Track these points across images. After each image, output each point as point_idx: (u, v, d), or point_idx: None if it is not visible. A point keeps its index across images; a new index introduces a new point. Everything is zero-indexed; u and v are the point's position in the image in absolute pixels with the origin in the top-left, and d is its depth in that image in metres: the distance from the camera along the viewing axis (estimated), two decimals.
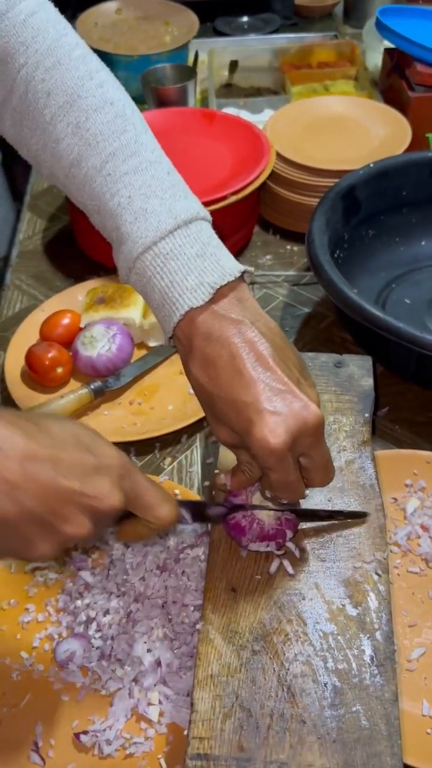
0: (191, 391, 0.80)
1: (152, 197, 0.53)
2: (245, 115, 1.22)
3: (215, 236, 0.54)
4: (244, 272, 0.52)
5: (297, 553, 0.57)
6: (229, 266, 0.52)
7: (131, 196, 0.53)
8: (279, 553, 0.57)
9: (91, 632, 0.60)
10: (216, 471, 0.57)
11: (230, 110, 1.22)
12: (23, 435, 0.41)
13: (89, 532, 0.44)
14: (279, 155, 0.99)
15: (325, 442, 0.52)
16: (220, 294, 0.51)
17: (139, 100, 0.59)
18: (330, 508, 0.61)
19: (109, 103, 0.56)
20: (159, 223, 0.52)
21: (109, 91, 0.56)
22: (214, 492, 0.63)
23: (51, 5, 0.59)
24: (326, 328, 0.89)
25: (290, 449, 0.49)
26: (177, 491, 0.69)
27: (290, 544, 0.58)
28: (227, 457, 0.65)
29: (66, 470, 0.42)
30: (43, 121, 0.56)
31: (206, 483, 0.73)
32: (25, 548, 0.42)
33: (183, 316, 0.51)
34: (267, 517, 0.56)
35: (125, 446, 0.76)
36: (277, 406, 0.48)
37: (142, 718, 0.55)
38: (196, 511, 0.57)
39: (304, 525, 0.59)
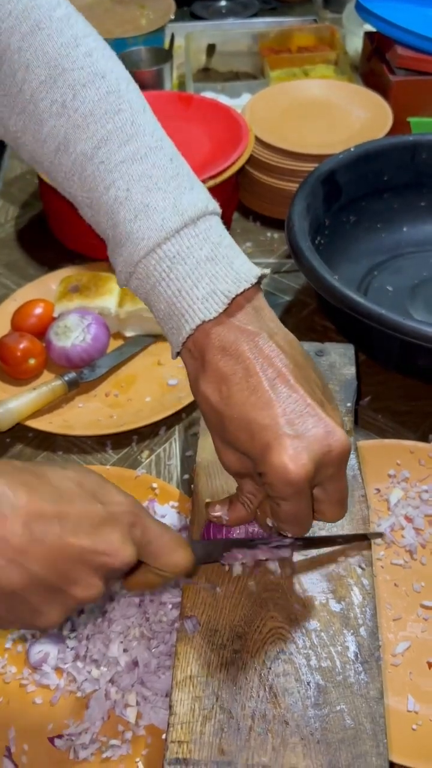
0: (170, 381, 0.79)
1: (154, 190, 0.46)
2: (223, 99, 1.19)
3: (227, 234, 0.47)
4: (260, 278, 0.46)
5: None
6: (244, 270, 0.45)
7: (129, 188, 0.46)
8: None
9: (65, 632, 0.58)
10: (207, 500, 0.53)
11: (208, 94, 1.19)
12: (26, 490, 0.37)
13: (100, 592, 0.41)
14: (258, 139, 0.97)
15: (345, 476, 0.46)
16: (235, 304, 0.45)
17: None
18: (328, 534, 0.57)
19: (100, 77, 0.47)
20: (164, 221, 0.45)
21: (99, 61, 0.48)
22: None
23: None
24: (307, 316, 0.88)
25: (311, 480, 0.43)
26: (155, 485, 0.67)
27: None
28: (205, 448, 0.63)
29: (74, 526, 0.39)
30: (22, 99, 0.48)
31: (185, 476, 0.71)
32: (32, 618, 0.39)
33: (194, 330, 0.45)
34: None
35: (101, 439, 0.74)
36: (299, 429, 0.42)
37: (119, 720, 0.54)
38: (207, 551, 0.53)
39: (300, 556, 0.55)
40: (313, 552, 0.56)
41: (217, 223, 0.47)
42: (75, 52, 0.48)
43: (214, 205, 0.48)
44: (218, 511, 0.50)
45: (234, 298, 0.44)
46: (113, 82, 0.48)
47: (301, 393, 0.43)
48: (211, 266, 0.45)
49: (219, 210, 0.48)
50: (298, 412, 0.43)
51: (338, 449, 0.43)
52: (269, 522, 0.49)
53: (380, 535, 0.61)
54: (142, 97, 0.50)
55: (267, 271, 0.48)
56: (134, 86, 0.50)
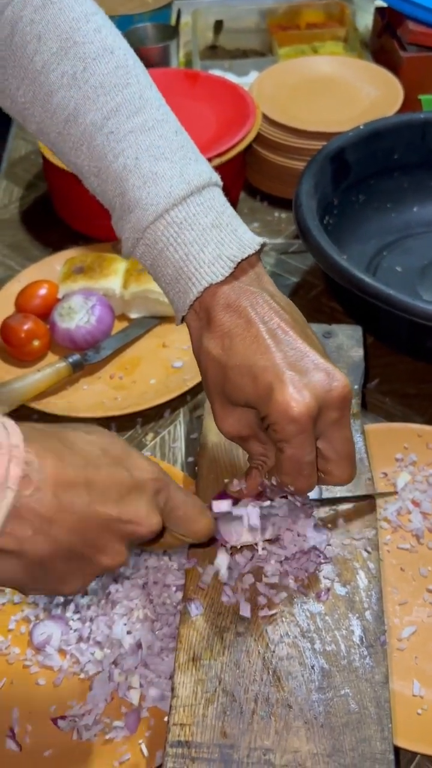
0: (175, 364, 0.78)
1: (161, 159, 0.47)
2: (231, 77, 1.17)
3: (228, 204, 0.49)
4: (262, 245, 0.48)
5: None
6: (248, 238, 0.47)
7: (138, 157, 0.47)
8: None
9: (68, 614, 0.58)
10: (225, 480, 0.53)
11: (215, 72, 1.17)
12: (53, 458, 0.36)
13: (125, 560, 0.40)
14: (265, 117, 0.95)
15: (350, 425, 0.47)
16: (240, 269, 0.47)
17: None
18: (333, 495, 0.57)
19: (110, 51, 0.49)
20: (171, 188, 0.46)
21: (108, 38, 0.50)
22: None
23: None
24: (315, 297, 0.86)
25: (314, 418, 0.44)
26: (169, 475, 0.66)
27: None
28: (210, 430, 0.63)
29: (101, 494, 0.38)
30: (33, 69, 0.49)
31: (190, 459, 0.70)
32: (56, 585, 0.39)
33: (201, 293, 0.46)
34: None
35: (106, 421, 0.74)
36: (299, 370, 0.44)
37: (123, 701, 0.53)
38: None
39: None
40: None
41: (219, 194, 0.49)
42: (86, 27, 0.49)
43: (217, 178, 0.50)
44: (236, 486, 0.51)
45: (238, 263, 0.46)
46: (122, 58, 0.50)
47: (300, 342, 0.45)
48: (216, 233, 0.47)
49: (221, 183, 0.50)
50: (298, 357, 0.45)
51: (339, 389, 0.44)
52: (274, 480, 0.49)
53: (391, 493, 0.59)
54: (147, 73, 0.52)
55: (267, 240, 0.48)
56: (140, 63, 0.51)
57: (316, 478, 0.47)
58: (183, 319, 0.49)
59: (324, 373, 0.45)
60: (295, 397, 0.43)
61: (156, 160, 0.47)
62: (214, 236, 0.46)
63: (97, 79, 0.48)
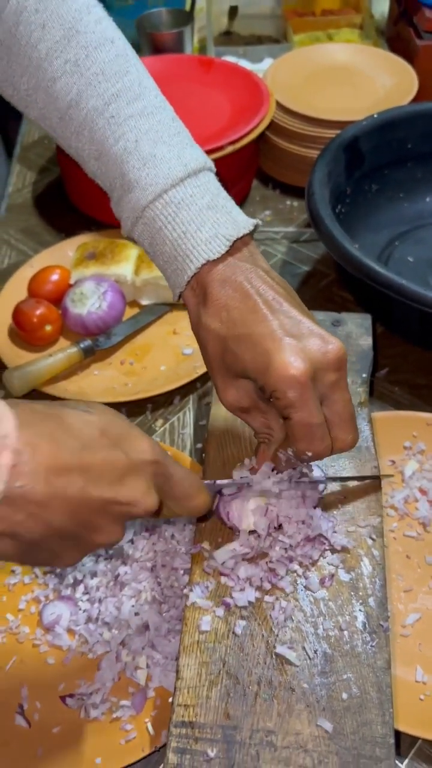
0: (185, 351, 0.79)
1: (160, 143, 0.50)
2: (245, 63, 1.16)
3: (222, 188, 0.51)
4: (255, 226, 0.50)
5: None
6: (242, 219, 0.50)
7: (138, 140, 0.50)
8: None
9: (78, 595, 0.58)
10: (238, 465, 0.54)
11: (229, 59, 1.16)
12: (48, 443, 0.37)
13: (120, 537, 0.42)
14: (279, 105, 0.95)
15: (348, 388, 0.48)
16: (234, 248, 0.49)
17: (135, 49, 0.55)
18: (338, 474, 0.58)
19: (110, 41, 0.52)
20: (169, 170, 0.49)
21: (108, 29, 0.53)
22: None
23: None
24: (326, 287, 0.86)
25: (312, 379, 0.45)
26: (168, 453, 0.67)
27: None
28: (218, 417, 0.63)
29: (96, 478, 0.39)
30: (37, 57, 0.52)
31: (198, 445, 0.71)
32: (51, 560, 0.40)
33: (198, 269, 0.48)
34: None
35: (116, 407, 0.73)
36: (294, 335, 0.46)
37: (130, 681, 0.54)
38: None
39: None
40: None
41: (213, 178, 0.52)
42: (87, 17, 0.52)
43: (211, 164, 0.52)
44: (248, 465, 0.53)
45: (233, 242, 0.48)
46: (121, 47, 0.52)
47: (295, 311, 0.48)
48: (212, 213, 0.49)
49: (214, 169, 0.52)
50: (293, 324, 0.47)
51: (334, 351, 0.46)
52: (289, 451, 0.50)
53: (391, 476, 0.60)
54: (143, 64, 0.54)
55: (260, 222, 0.50)
56: (136, 54, 0.54)
57: (330, 440, 0.48)
58: (180, 296, 0.51)
59: (319, 338, 0.47)
60: (293, 361, 0.45)
61: (155, 144, 0.50)
62: (210, 216, 0.49)
63: (99, 66, 0.51)
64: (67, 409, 0.40)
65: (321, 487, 0.56)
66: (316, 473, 0.56)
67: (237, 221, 0.49)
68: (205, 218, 0.48)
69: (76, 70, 0.51)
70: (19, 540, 0.37)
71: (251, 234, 0.50)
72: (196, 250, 0.48)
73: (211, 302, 0.48)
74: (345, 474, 0.59)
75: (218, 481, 0.53)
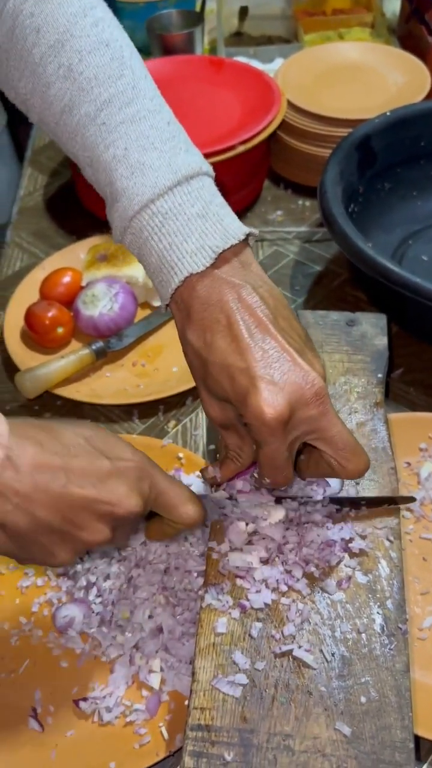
0: None
1: (150, 149, 0.48)
2: (255, 64, 1.16)
3: (218, 194, 0.50)
4: (248, 235, 0.48)
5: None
6: (233, 228, 0.48)
7: (127, 147, 0.48)
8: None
9: (91, 597, 0.58)
10: (203, 467, 0.54)
11: (240, 59, 1.16)
12: (34, 444, 0.40)
13: (108, 537, 0.43)
14: (290, 104, 0.94)
15: (336, 416, 0.47)
16: (222, 258, 0.47)
17: (145, 51, 0.55)
18: (353, 495, 0.57)
19: (105, 45, 0.51)
20: (157, 179, 0.47)
21: (105, 31, 0.51)
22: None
23: None
24: (339, 286, 0.86)
25: (286, 422, 0.45)
26: (181, 455, 0.67)
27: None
28: None
29: (78, 478, 0.41)
30: (31, 61, 0.51)
31: (211, 446, 0.70)
32: (45, 556, 0.43)
33: (182, 282, 0.47)
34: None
35: (128, 408, 0.74)
36: (274, 374, 0.45)
37: (143, 685, 0.54)
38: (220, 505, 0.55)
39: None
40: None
41: (209, 183, 0.50)
42: (83, 21, 0.51)
43: (208, 168, 0.50)
44: (211, 473, 0.53)
45: (221, 253, 0.47)
46: (117, 50, 0.51)
47: (279, 340, 0.46)
48: (201, 222, 0.47)
49: (212, 173, 0.50)
50: (275, 357, 0.45)
51: (311, 388, 0.45)
52: (255, 473, 0.51)
53: (411, 499, 0.58)
54: (144, 65, 0.53)
55: (256, 231, 0.49)
56: (137, 55, 0.53)
57: (291, 474, 0.49)
58: (167, 308, 0.50)
59: (298, 374, 0.45)
60: (269, 402, 0.44)
61: (144, 150, 0.48)
62: (198, 226, 0.47)
63: (92, 71, 0.50)
64: (59, 423, 0.44)
65: (337, 488, 0.56)
66: (334, 484, 0.56)
67: (227, 230, 0.47)
68: (193, 228, 0.47)
69: (69, 75, 0.50)
70: (8, 531, 0.41)
71: (246, 241, 0.49)
72: (181, 263, 0.47)
73: (195, 321, 0.47)
74: (362, 483, 0.57)
75: (211, 495, 0.54)
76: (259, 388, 0.44)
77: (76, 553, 0.43)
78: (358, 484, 0.57)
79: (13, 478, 0.39)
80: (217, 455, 0.62)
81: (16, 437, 0.40)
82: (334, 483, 0.55)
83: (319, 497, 0.54)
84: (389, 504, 0.56)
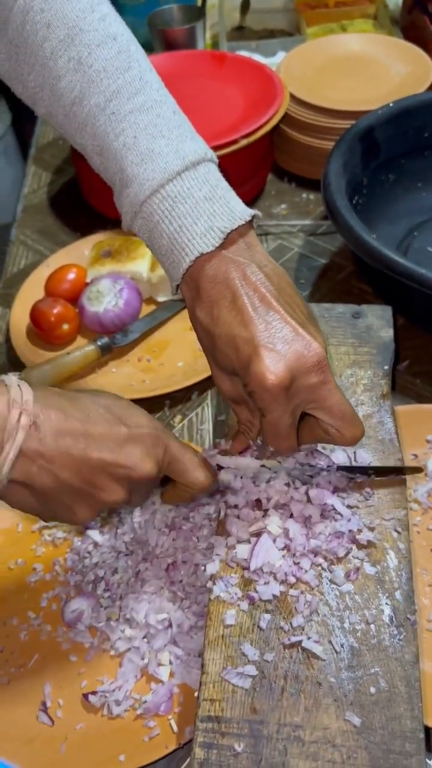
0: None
1: (158, 137, 0.50)
2: (258, 58, 1.15)
3: (223, 179, 0.52)
4: (253, 216, 0.50)
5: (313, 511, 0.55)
6: (239, 210, 0.50)
7: (137, 135, 0.50)
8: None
9: (99, 592, 0.58)
10: (211, 445, 0.56)
11: (242, 53, 1.16)
12: (57, 411, 0.44)
13: (125, 497, 0.46)
14: (293, 97, 0.94)
15: (335, 386, 0.49)
16: (229, 239, 0.49)
17: (147, 47, 0.55)
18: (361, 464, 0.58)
19: (112, 38, 0.52)
20: (167, 164, 0.49)
21: (111, 26, 0.53)
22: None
23: None
24: (344, 279, 0.85)
25: (287, 388, 0.47)
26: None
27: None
28: None
29: (98, 443, 0.44)
30: (42, 55, 0.53)
31: (217, 440, 0.70)
32: (67, 514, 0.46)
33: (193, 262, 0.49)
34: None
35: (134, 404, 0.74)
36: (276, 343, 0.47)
37: (152, 678, 0.54)
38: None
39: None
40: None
41: (214, 169, 0.52)
42: (91, 16, 0.53)
43: (212, 154, 0.52)
44: (224, 446, 0.55)
45: (229, 234, 0.49)
46: (124, 44, 0.53)
47: (282, 313, 0.48)
48: (209, 205, 0.49)
49: (216, 159, 0.52)
50: (278, 328, 0.47)
51: (313, 355, 0.47)
52: (259, 440, 0.53)
53: (419, 470, 0.59)
54: (148, 59, 0.55)
55: (259, 213, 0.51)
56: (141, 49, 0.55)
57: (295, 441, 0.51)
58: (178, 289, 0.51)
59: (300, 343, 0.47)
60: (270, 369, 0.46)
61: (153, 138, 0.50)
62: (206, 209, 0.49)
63: (101, 63, 0.51)
64: (80, 393, 0.47)
65: (343, 459, 0.57)
66: (341, 457, 0.57)
67: (234, 212, 0.49)
68: (202, 210, 0.49)
69: (79, 68, 0.52)
70: (34, 490, 0.44)
71: (251, 223, 0.51)
72: (191, 244, 0.48)
73: (203, 298, 0.49)
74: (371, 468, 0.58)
75: (220, 457, 0.56)
76: (261, 355, 0.46)
77: (96, 512, 0.47)
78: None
79: (39, 443, 0.42)
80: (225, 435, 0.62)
81: (41, 405, 0.43)
82: (340, 454, 0.57)
83: (324, 465, 0.56)
84: (397, 474, 0.57)
